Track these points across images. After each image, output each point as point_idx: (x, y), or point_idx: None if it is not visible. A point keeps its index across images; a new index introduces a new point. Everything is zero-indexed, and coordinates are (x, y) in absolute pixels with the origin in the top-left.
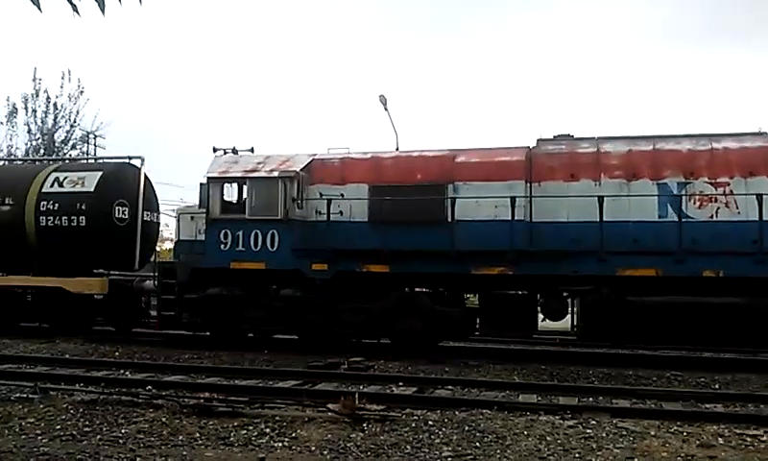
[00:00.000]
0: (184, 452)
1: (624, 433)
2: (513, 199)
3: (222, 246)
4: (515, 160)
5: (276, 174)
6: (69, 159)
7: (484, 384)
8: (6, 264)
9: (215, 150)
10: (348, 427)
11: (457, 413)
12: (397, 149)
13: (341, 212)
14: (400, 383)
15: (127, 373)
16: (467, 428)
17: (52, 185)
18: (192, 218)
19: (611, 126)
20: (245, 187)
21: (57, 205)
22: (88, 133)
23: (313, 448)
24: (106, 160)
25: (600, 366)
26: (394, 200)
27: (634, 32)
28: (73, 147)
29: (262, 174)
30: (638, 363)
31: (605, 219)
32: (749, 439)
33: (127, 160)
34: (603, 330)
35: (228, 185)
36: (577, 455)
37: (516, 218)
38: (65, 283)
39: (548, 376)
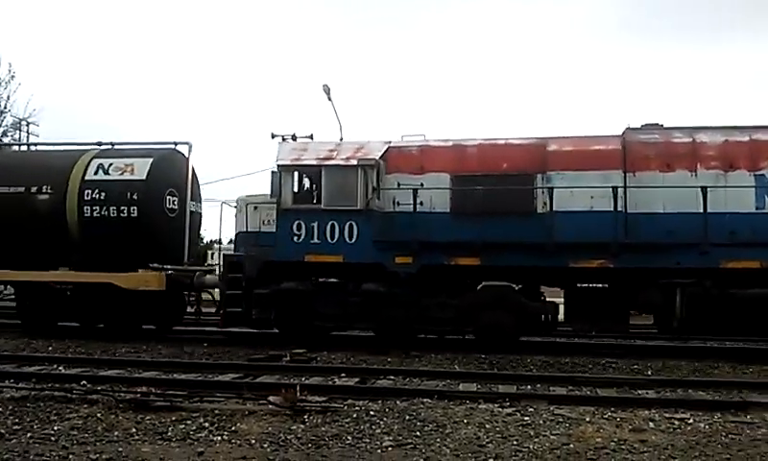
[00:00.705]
0: (120, 448)
1: (561, 420)
2: (615, 189)
3: (295, 238)
4: (611, 149)
5: (354, 162)
6: (108, 144)
7: (425, 374)
8: (41, 258)
9: (274, 136)
10: (289, 420)
11: (398, 403)
12: (342, 139)
13: (421, 202)
14: (343, 374)
15: (60, 368)
16: (407, 418)
17: (96, 173)
18: (256, 208)
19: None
20: (309, 176)
21: (103, 194)
22: (20, 119)
23: (253, 442)
24: (149, 147)
25: (538, 354)
26: (478, 190)
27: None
28: (4, 134)
29: (339, 162)
30: (575, 351)
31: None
32: (677, 422)
33: (173, 147)
34: (705, 324)
35: (297, 173)
36: (515, 442)
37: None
38: (116, 279)
39: (488, 365)
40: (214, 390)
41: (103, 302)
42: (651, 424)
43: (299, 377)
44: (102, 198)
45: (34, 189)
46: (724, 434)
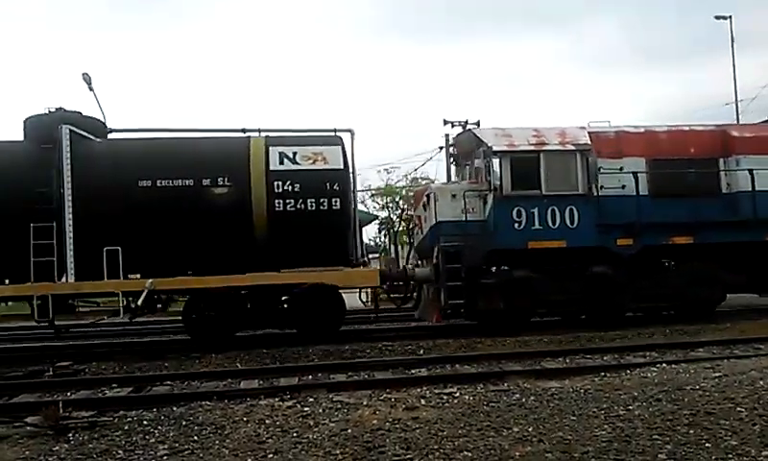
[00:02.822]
0: None
1: (339, 406)
2: None
3: (516, 225)
4: None
5: (571, 147)
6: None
7: (204, 375)
8: (219, 260)
9: (446, 122)
10: (51, 440)
11: (175, 409)
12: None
13: (623, 186)
14: (114, 385)
15: None
16: (184, 423)
17: (281, 162)
18: (455, 196)
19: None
20: (522, 162)
21: (297, 185)
22: None
23: None
24: (313, 134)
25: (320, 344)
26: (676, 173)
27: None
28: None
29: (557, 147)
30: (354, 338)
31: None
32: (446, 397)
33: (333, 133)
34: None
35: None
36: (295, 434)
37: None
38: (329, 277)
39: (271, 360)
40: None
41: (292, 305)
42: (423, 401)
43: (64, 393)
44: (296, 190)
45: (206, 182)
46: (485, 403)
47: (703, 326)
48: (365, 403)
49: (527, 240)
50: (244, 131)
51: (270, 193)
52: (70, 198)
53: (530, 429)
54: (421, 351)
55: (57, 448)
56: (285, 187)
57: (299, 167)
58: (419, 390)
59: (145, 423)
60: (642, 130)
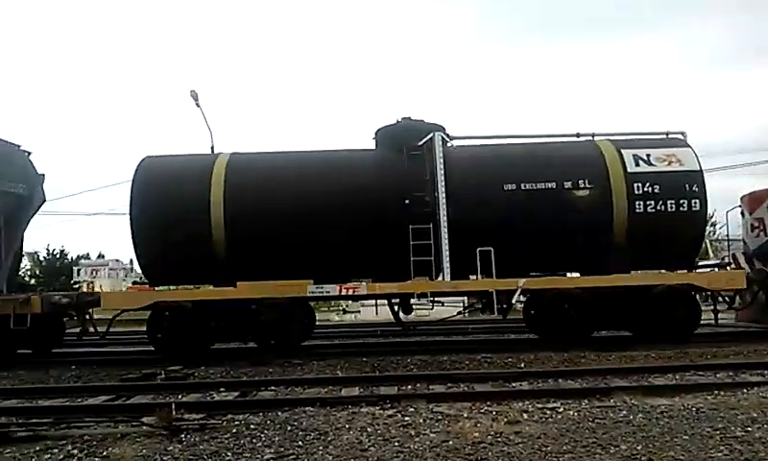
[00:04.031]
0: None
1: (440, 417)
2: None
3: None
4: None
5: None
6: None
7: (307, 382)
8: (578, 261)
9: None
10: (165, 440)
11: (280, 414)
12: (213, 147)
13: None
14: (222, 389)
15: None
16: (289, 428)
17: (637, 164)
18: None
19: None
20: None
21: (656, 186)
22: None
23: None
24: (647, 136)
25: (418, 354)
26: None
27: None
28: None
29: None
30: (452, 349)
31: None
32: (549, 412)
33: (666, 136)
34: None
35: None
36: (396, 443)
37: None
38: (698, 279)
39: (370, 368)
40: (83, 415)
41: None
42: (525, 416)
43: (175, 395)
44: (655, 191)
45: (567, 184)
46: (591, 419)
47: None
48: (465, 415)
49: None
50: (578, 135)
51: (630, 195)
52: (444, 201)
53: (639, 448)
54: (522, 365)
55: (171, 447)
56: (645, 189)
57: (655, 169)
58: (520, 404)
59: (252, 426)
60: None
